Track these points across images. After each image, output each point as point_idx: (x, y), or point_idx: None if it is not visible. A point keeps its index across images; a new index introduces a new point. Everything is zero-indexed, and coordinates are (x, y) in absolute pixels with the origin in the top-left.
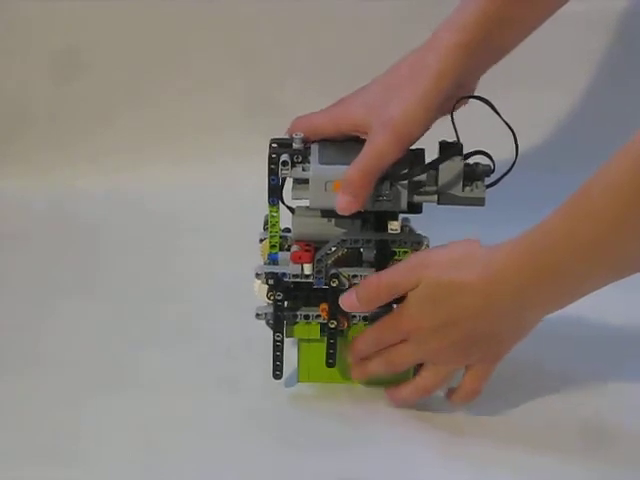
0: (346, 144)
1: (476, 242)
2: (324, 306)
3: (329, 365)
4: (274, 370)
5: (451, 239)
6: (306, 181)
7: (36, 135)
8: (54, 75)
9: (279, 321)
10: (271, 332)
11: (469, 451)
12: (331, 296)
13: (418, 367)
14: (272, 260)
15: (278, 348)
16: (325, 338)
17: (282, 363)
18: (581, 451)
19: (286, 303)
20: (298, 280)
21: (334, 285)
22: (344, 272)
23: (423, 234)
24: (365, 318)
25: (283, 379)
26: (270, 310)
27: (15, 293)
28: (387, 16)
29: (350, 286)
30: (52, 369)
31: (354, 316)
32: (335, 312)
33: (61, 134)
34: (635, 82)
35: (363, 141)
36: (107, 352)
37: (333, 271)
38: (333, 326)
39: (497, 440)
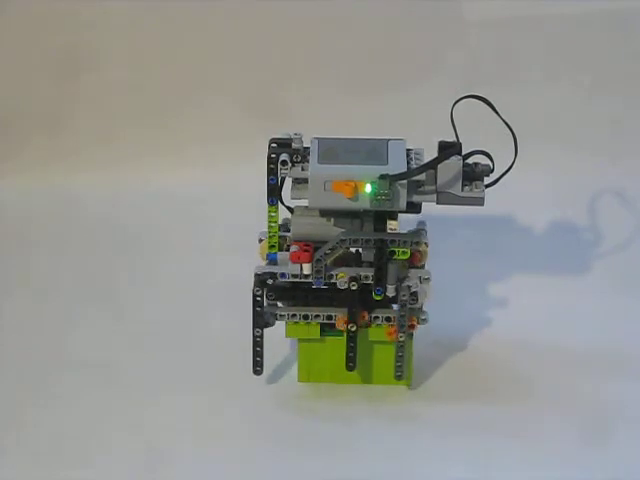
0: (346, 143)
1: None
2: (342, 318)
3: (349, 369)
4: (254, 366)
5: (450, 239)
6: (305, 181)
7: (36, 135)
8: (55, 75)
9: (258, 316)
10: (270, 332)
11: (468, 450)
12: (351, 299)
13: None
14: (271, 260)
15: (258, 343)
16: (325, 338)
17: (262, 358)
18: (579, 448)
19: (285, 303)
20: (297, 280)
21: (354, 289)
22: (343, 272)
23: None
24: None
25: (283, 379)
26: (269, 310)
27: (15, 293)
28: (387, 16)
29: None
30: (52, 369)
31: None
32: (355, 315)
33: (62, 135)
34: (635, 82)
35: (364, 140)
36: (107, 352)
37: (352, 274)
38: (354, 329)
39: (497, 439)
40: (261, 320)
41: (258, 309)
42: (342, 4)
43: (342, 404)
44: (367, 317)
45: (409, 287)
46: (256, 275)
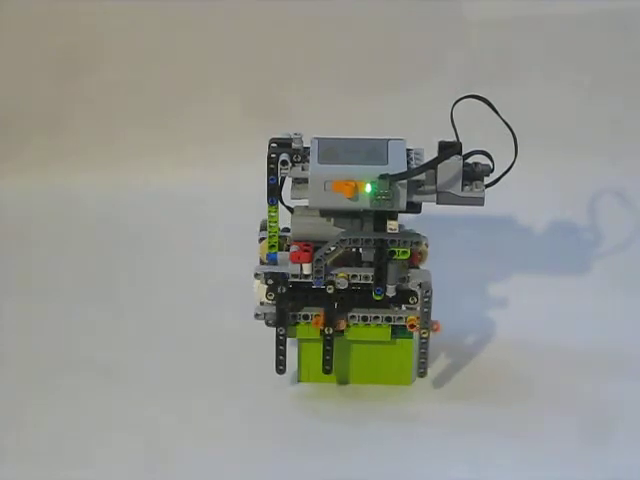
0: (346, 143)
1: None
2: (319, 318)
3: (326, 372)
4: (277, 365)
5: (450, 239)
6: (305, 181)
7: (36, 135)
8: (55, 75)
9: (282, 315)
10: (270, 332)
11: (468, 450)
12: (327, 302)
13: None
14: (271, 260)
15: (281, 342)
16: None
17: (285, 357)
18: (579, 448)
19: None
20: (297, 280)
21: (330, 292)
22: (343, 272)
23: (422, 234)
24: (364, 318)
25: (283, 379)
26: (269, 310)
27: (15, 293)
28: (387, 16)
29: (350, 286)
30: (52, 369)
31: (353, 316)
32: (332, 319)
33: (62, 135)
34: (635, 82)
35: (364, 140)
36: (107, 352)
37: (329, 278)
38: (329, 333)
39: (497, 439)
40: (285, 319)
41: (282, 308)
42: (342, 4)
43: (342, 404)
44: (346, 323)
45: (428, 284)
46: (273, 278)
